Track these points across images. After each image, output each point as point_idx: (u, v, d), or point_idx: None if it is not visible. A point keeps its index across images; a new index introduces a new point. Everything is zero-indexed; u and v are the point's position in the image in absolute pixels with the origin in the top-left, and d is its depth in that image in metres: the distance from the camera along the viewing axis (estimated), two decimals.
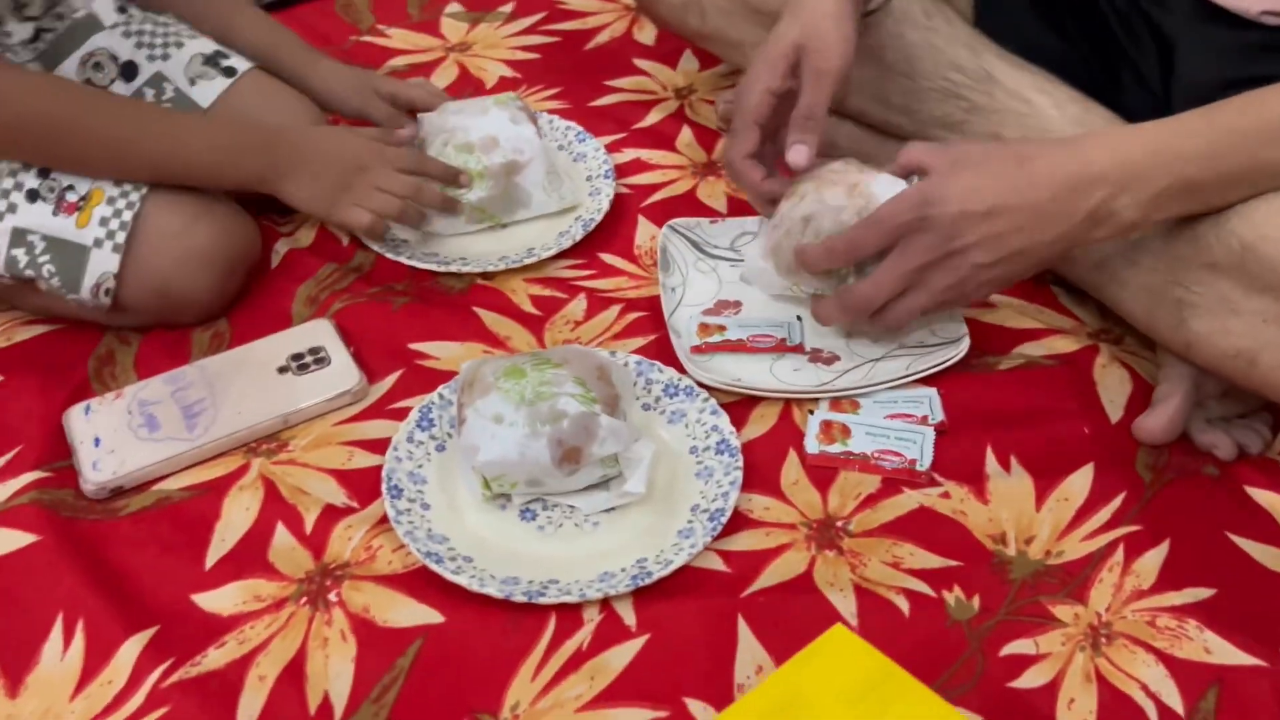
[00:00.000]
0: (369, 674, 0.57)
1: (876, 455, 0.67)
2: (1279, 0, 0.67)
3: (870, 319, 0.67)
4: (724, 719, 0.50)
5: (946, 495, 0.65)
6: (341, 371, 0.72)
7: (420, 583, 0.61)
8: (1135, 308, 0.68)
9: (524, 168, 0.82)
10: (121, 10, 0.82)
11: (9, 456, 0.68)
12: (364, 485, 0.66)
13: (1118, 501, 0.65)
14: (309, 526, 0.64)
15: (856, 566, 0.62)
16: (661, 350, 0.73)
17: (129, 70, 0.81)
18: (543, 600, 0.59)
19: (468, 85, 1.00)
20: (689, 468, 0.66)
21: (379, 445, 0.68)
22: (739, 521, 0.64)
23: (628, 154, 0.91)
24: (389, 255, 0.80)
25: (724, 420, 0.68)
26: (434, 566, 0.60)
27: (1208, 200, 0.61)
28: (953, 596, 0.60)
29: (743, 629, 0.59)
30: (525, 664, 0.57)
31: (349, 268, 0.81)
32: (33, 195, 0.70)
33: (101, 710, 0.56)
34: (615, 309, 0.78)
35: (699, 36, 0.91)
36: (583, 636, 0.58)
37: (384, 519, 0.63)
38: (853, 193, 0.65)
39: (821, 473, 0.67)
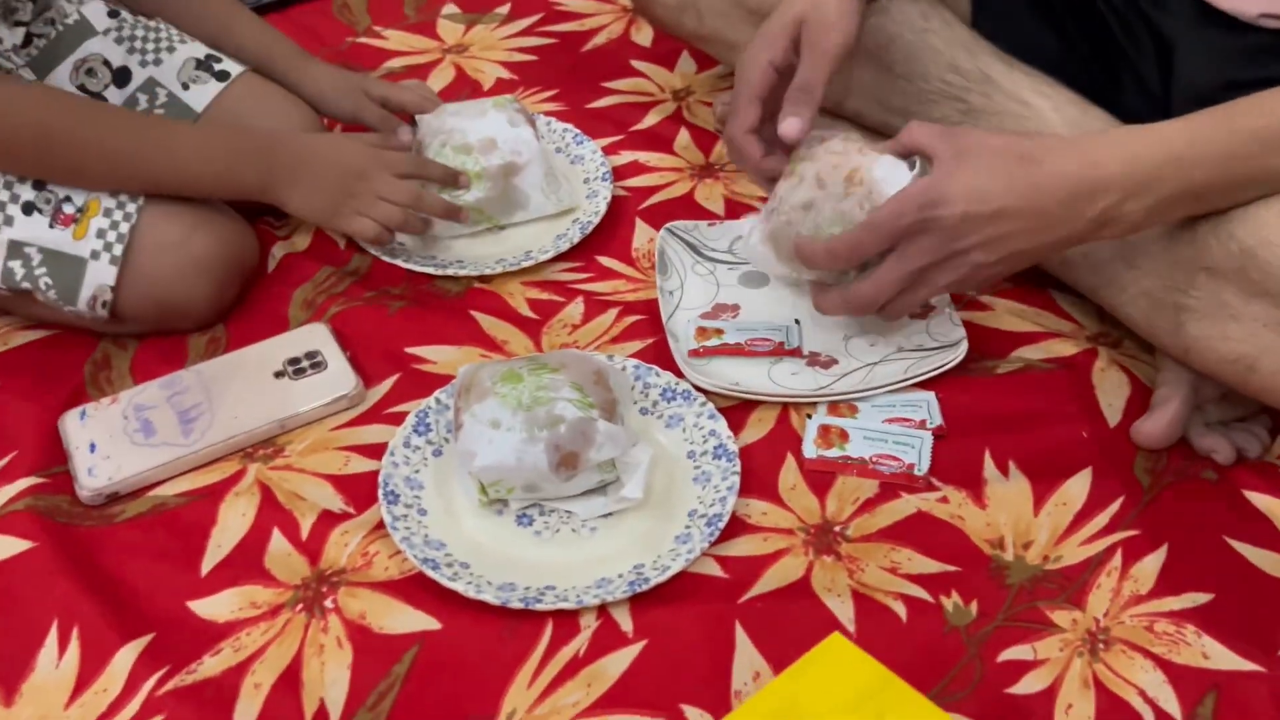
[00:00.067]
0: (365, 681, 0.57)
1: (874, 460, 0.67)
2: (1277, 4, 0.67)
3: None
4: None
5: (944, 500, 0.65)
6: (338, 376, 0.72)
7: (417, 589, 0.61)
8: (1134, 312, 0.68)
9: (522, 170, 0.82)
10: (113, 15, 0.81)
11: (4, 462, 0.68)
12: (360, 490, 0.66)
13: (1116, 506, 0.65)
14: (305, 532, 0.64)
15: (854, 572, 0.62)
16: (659, 354, 0.73)
17: (122, 76, 0.81)
18: (539, 606, 0.59)
19: (465, 87, 0.99)
20: (686, 472, 0.66)
21: (376, 450, 0.68)
22: (736, 527, 0.63)
23: (625, 156, 0.91)
24: (385, 259, 0.80)
25: (722, 424, 0.68)
26: (430, 572, 0.60)
27: (1214, 203, 0.61)
28: (950, 602, 0.60)
29: (740, 635, 0.59)
30: (522, 670, 0.57)
31: (345, 271, 0.81)
32: (29, 207, 0.70)
33: (97, 717, 0.56)
34: (613, 312, 0.78)
35: (696, 38, 0.91)
36: (580, 643, 0.58)
37: (380, 525, 0.63)
38: (852, 180, 0.64)
39: (819, 477, 0.66)
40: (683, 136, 0.93)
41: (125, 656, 0.58)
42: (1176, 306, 0.64)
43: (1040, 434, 0.69)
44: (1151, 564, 0.62)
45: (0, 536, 0.63)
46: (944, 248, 0.61)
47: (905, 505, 0.65)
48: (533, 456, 0.61)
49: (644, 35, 1.05)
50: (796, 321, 0.75)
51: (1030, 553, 0.62)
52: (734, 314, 0.77)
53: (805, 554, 0.62)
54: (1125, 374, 0.72)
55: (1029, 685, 0.57)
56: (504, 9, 1.09)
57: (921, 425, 0.69)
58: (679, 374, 0.71)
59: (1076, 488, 0.66)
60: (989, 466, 0.67)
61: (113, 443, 0.67)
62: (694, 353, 0.73)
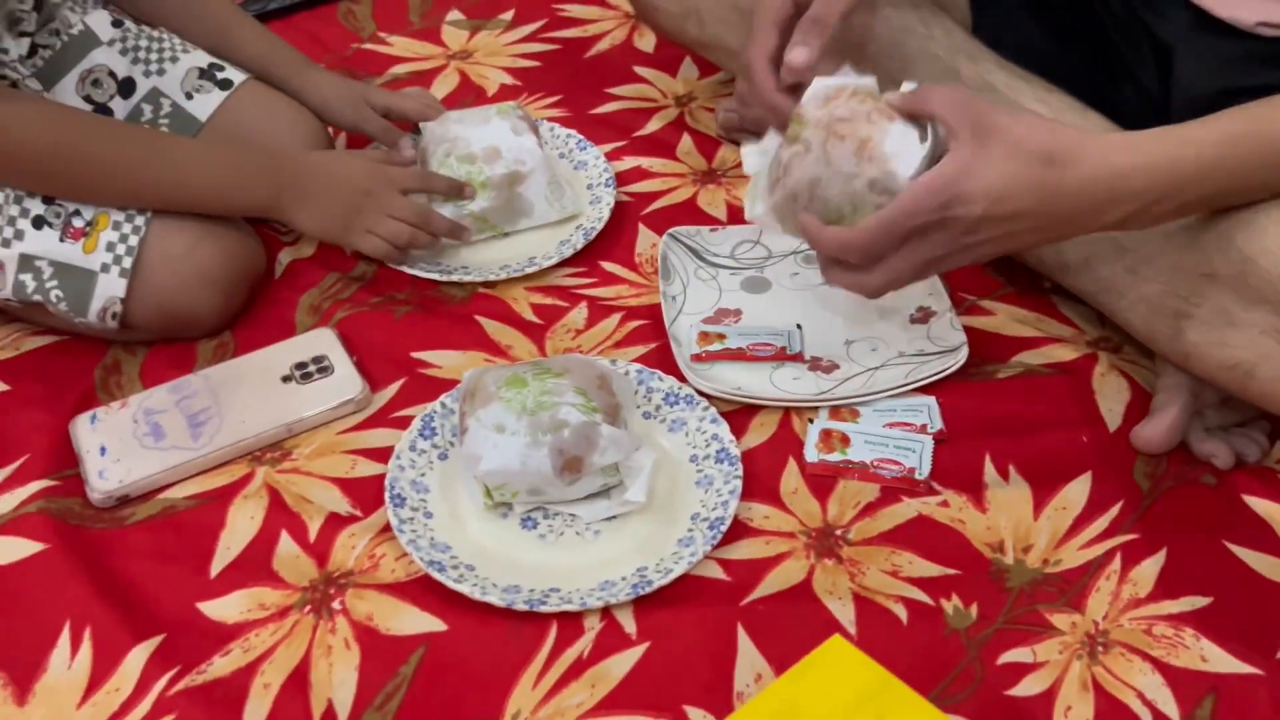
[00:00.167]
0: (372, 682, 0.58)
1: (875, 464, 0.67)
2: (1275, 12, 0.67)
3: None
4: None
5: (945, 504, 0.66)
6: (344, 380, 0.72)
7: (423, 591, 0.61)
8: (1133, 318, 0.69)
9: (526, 178, 0.83)
10: (117, 25, 0.82)
11: (16, 465, 0.68)
12: (367, 494, 0.67)
13: (1115, 510, 0.65)
14: (313, 535, 0.65)
15: (855, 575, 0.62)
16: (662, 359, 0.74)
17: (127, 87, 0.81)
18: (544, 609, 0.59)
19: (469, 93, 1.00)
20: (689, 476, 0.67)
21: (382, 454, 0.68)
22: (739, 530, 0.64)
23: (628, 162, 0.91)
24: (391, 265, 0.81)
25: (724, 429, 0.68)
26: (436, 575, 0.61)
27: (1234, 203, 0.60)
28: (951, 605, 0.61)
29: (742, 637, 0.59)
30: (527, 672, 0.58)
31: (351, 277, 0.82)
32: (39, 221, 0.71)
33: (109, 717, 0.56)
34: (616, 317, 0.78)
35: (698, 44, 0.92)
36: (583, 645, 0.59)
37: (387, 527, 0.64)
38: (861, 156, 0.59)
39: (821, 481, 0.67)
40: (685, 142, 0.93)
41: (137, 657, 0.58)
42: (1176, 313, 0.65)
43: (1040, 438, 0.69)
44: (1150, 568, 0.62)
45: (13, 539, 0.64)
46: (956, 242, 0.60)
47: (906, 509, 0.65)
48: (537, 460, 0.62)
49: (647, 41, 1.06)
50: (798, 326, 0.76)
51: (1030, 556, 0.63)
52: (736, 319, 0.77)
53: (807, 557, 0.63)
54: (1125, 379, 0.73)
55: (1028, 687, 0.57)
56: (508, 15, 1.10)
57: (922, 430, 0.69)
58: (682, 378, 0.71)
59: (1076, 492, 0.66)
60: (989, 471, 0.67)
61: (123, 446, 0.68)
62: (696, 357, 0.74)
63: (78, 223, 0.72)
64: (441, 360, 0.75)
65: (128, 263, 0.72)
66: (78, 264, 0.71)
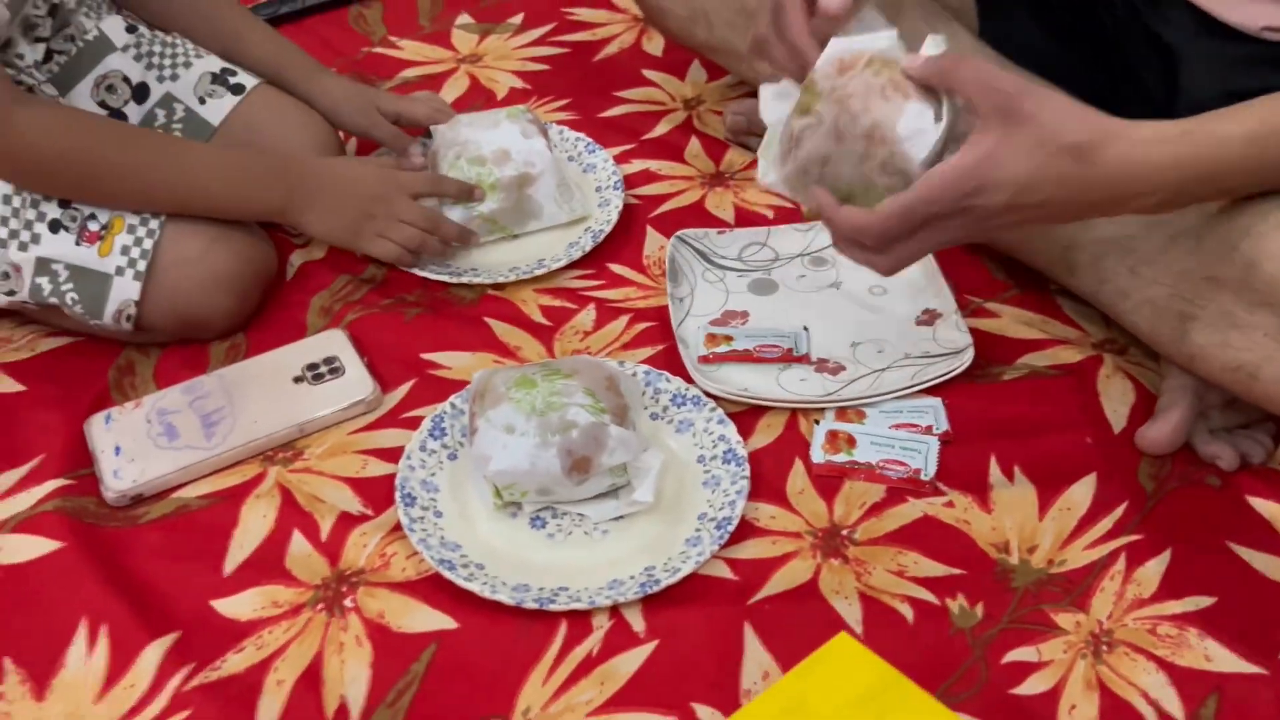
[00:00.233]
0: (384, 678, 0.59)
1: (881, 465, 0.68)
2: (1279, 17, 0.67)
3: None
4: None
5: (951, 504, 0.66)
6: (355, 381, 0.73)
7: (434, 589, 0.62)
8: (1138, 320, 0.69)
9: (535, 180, 0.84)
10: (131, 30, 0.83)
11: (32, 465, 0.69)
12: (378, 493, 0.67)
13: (1120, 511, 0.66)
14: (325, 534, 0.66)
15: (861, 575, 0.63)
16: (669, 360, 0.75)
17: (141, 92, 0.82)
18: (553, 607, 0.60)
19: (479, 96, 1.01)
20: (696, 477, 0.67)
21: (393, 454, 0.69)
22: (746, 530, 0.65)
23: (636, 165, 0.92)
24: (401, 268, 0.82)
25: (731, 430, 0.69)
26: (446, 573, 0.61)
27: (1266, 188, 0.60)
28: (956, 604, 0.61)
29: (749, 636, 0.60)
30: (536, 669, 0.59)
31: (362, 279, 0.83)
32: (55, 225, 0.72)
33: (125, 713, 0.57)
34: (624, 319, 0.79)
35: (706, 48, 0.92)
36: (592, 643, 0.60)
37: (398, 526, 0.65)
38: (873, 138, 0.58)
39: (827, 482, 0.68)
40: (693, 145, 0.94)
41: (152, 654, 0.59)
42: (1180, 315, 0.65)
43: (1045, 440, 0.69)
44: (1155, 568, 0.63)
45: (30, 537, 0.65)
46: (975, 226, 0.59)
47: (912, 509, 0.66)
48: (546, 461, 0.63)
49: (655, 45, 1.06)
50: (805, 328, 0.76)
51: (1035, 556, 0.63)
52: (743, 320, 0.78)
53: (813, 557, 0.64)
54: (1130, 381, 0.73)
55: (1033, 686, 0.58)
56: (517, 19, 1.11)
57: (928, 431, 0.70)
58: (689, 380, 0.72)
59: (1081, 493, 0.67)
60: (994, 471, 0.68)
61: (137, 446, 0.69)
62: (704, 359, 0.74)
63: (93, 226, 0.73)
64: (451, 361, 0.76)
65: (142, 266, 0.72)
66: (93, 267, 0.72)
